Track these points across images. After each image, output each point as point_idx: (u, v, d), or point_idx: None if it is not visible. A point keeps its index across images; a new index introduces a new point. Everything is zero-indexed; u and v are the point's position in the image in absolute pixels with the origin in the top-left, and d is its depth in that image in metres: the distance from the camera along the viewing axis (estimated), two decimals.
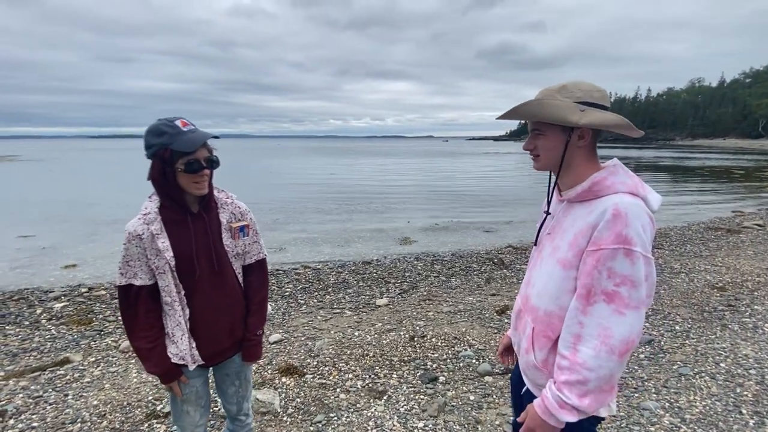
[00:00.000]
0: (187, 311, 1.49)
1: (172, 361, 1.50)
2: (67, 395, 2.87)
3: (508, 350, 1.51)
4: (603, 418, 1.16)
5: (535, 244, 1.27)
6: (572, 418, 1.02)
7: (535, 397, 1.20)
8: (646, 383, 2.92)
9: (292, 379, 3.01)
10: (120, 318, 4.40)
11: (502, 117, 1.17)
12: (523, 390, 1.28)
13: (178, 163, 1.36)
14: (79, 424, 2.53)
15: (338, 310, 4.57)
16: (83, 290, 5.46)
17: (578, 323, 1.02)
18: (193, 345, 1.52)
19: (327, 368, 3.17)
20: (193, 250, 1.45)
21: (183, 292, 1.48)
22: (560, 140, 1.10)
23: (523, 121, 1.17)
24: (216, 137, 1.45)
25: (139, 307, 1.46)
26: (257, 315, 1.66)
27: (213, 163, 1.44)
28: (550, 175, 1.25)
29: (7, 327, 4.20)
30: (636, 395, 2.78)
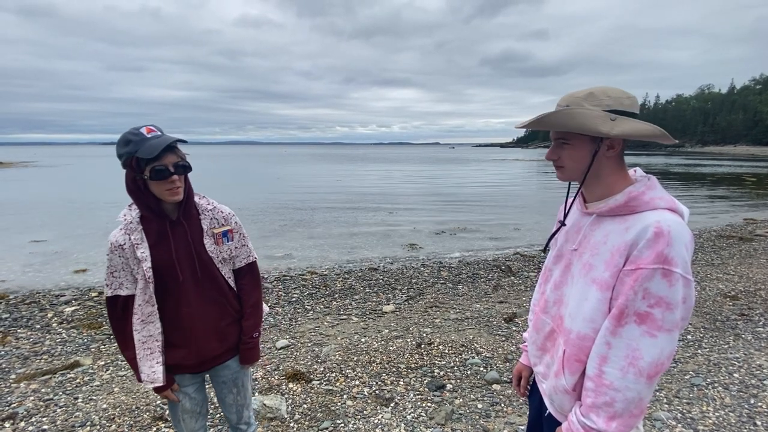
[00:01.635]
0: (159, 325, 1.46)
1: (143, 379, 1.47)
2: (77, 398, 2.90)
3: (526, 381, 1.43)
4: None
5: (544, 251, 1.22)
6: None
7: (557, 421, 1.16)
8: (658, 393, 2.87)
9: (298, 385, 3.01)
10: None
11: (526, 126, 1.10)
12: (546, 413, 1.22)
13: (145, 171, 1.34)
14: (88, 428, 2.55)
15: (345, 317, 4.57)
16: (93, 294, 5.52)
17: (606, 344, 0.98)
18: (160, 361, 1.48)
19: (334, 374, 3.16)
20: (174, 258, 1.44)
21: (156, 306, 1.45)
22: (588, 150, 1.04)
23: (530, 129, 1.14)
24: (183, 141, 1.41)
25: (127, 318, 1.45)
26: (252, 318, 1.64)
27: (183, 168, 1.40)
28: (569, 186, 1.20)
29: (19, 330, 4.25)
30: (647, 406, 2.73)
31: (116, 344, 3.86)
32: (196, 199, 1.53)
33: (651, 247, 0.93)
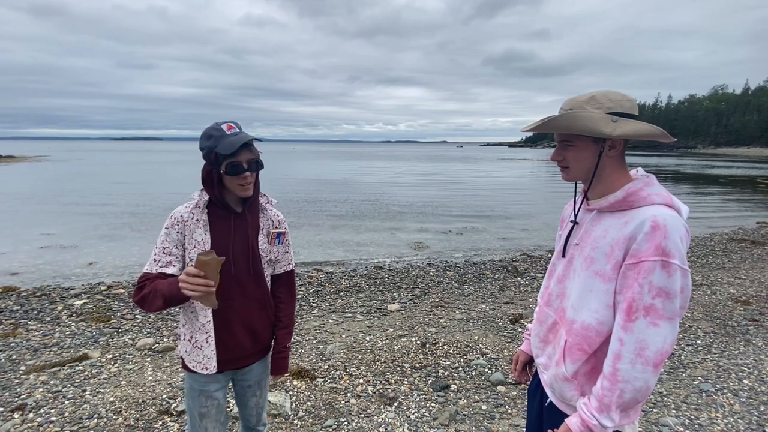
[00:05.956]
0: (209, 313, 1.44)
1: (195, 370, 1.47)
2: (84, 391, 2.94)
3: (525, 367, 1.47)
4: None
5: (563, 255, 1.23)
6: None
7: (558, 409, 1.20)
8: (666, 398, 2.83)
9: (303, 382, 3.02)
10: (135, 312, 4.49)
11: (532, 129, 1.15)
12: (547, 402, 1.25)
13: (222, 166, 1.40)
14: (95, 420, 2.58)
15: (350, 315, 4.58)
16: (102, 288, 5.59)
17: (618, 340, 1.02)
18: (214, 349, 1.47)
19: (338, 372, 3.17)
20: (230, 248, 1.46)
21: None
22: (591, 151, 1.09)
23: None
24: (258, 140, 1.47)
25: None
26: (287, 327, 1.64)
27: (256, 165, 1.47)
28: (576, 185, 1.23)
29: (29, 322, 4.32)
30: (655, 411, 2.70)
31: (126, 337, 3.90)
32: (259, 196, 1.57)
33: (649, 240, 0.98)
